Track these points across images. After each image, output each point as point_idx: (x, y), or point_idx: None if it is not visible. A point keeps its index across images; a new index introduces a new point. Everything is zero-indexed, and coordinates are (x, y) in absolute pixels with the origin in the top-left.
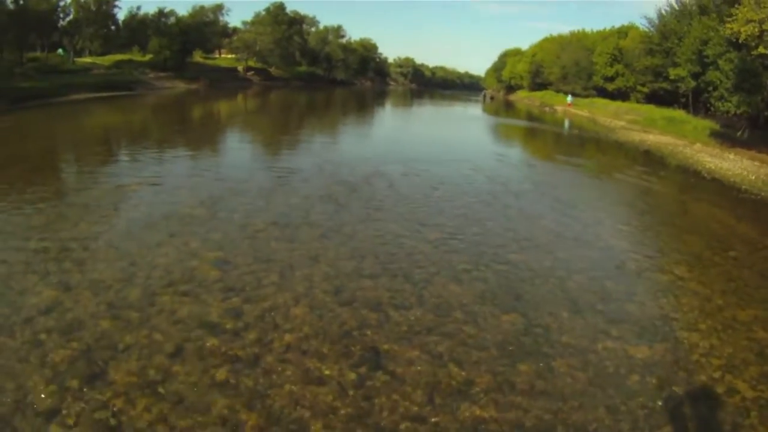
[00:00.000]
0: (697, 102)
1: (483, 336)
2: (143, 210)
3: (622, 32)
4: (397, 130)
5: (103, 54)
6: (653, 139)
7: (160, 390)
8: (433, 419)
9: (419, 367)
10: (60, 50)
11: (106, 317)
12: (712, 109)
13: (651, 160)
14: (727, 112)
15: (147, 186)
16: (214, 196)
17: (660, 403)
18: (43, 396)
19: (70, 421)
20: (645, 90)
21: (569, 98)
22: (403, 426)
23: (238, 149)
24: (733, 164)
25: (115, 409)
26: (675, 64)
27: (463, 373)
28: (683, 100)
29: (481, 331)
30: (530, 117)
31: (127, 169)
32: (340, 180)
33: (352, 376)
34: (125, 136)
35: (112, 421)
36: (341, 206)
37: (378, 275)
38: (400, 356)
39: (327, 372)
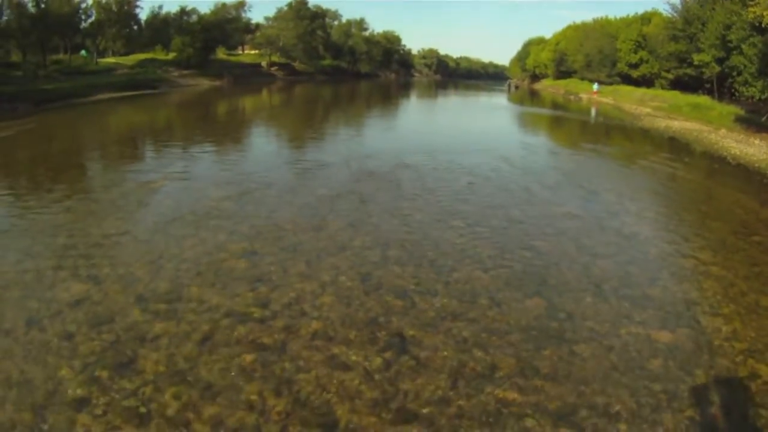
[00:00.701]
0: (721, 87)
1: (507, 321)
2: (170, 205)
3: (646, 19)
4: (421, 120)
5: (126, 54)
6: (678, 125)
7: (189, 378)
8: (457, 403)
9: (444, 352)
10: (83, 51)
11: (135, 309)
12: (736, 94)
13: (676, 146)
14: (752, 97)
15: (173, 181)
16: (241, 190)
17: (682, 387)
18: (72, 386)
19: (99, 411)
20: (670, 76)
21: (595, 86)
22: (427, 410)
23: (263, 144)
24: (758, 150)
25: (144, 397)
26: (699, 50)
27: (488, 358)
28: (708, 85)
29: (505, 317)
30: (555, 105)
31: (153, 165)
32: (366, 171)
33: (378, 361)
34: (150, 133)
35: (142, 409)
36: (367, 197)
37: (404, 263)
38: (425, 342)
39: (353, 358)
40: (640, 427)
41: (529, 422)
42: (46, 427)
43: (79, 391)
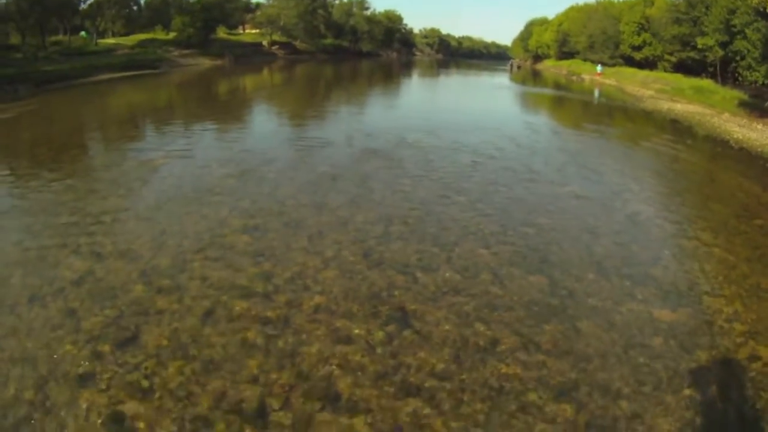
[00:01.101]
0: (725, 72)
1: (509, 297)
2: (172, 182)
3: (649, 1)
4: (423, 99)
5: (126, 34)
6: (681, 108)
7: (192, 352)
8: (459, 377)
9: (446, 327)
10: (83, 33)
11: (138, 284)
12: (740, 79)
13: (679, 128)
14: (756, 82)
15: (175, 159)
16: (243, 167)
17: (683, 367)
18: (76, 362)
19: (103, 385)
20: (672, 59)
21: (599, 67)
22: (429, 383)
23: (265, 122)
24: (760, 134)
25: (147, 371)
26: (702, 33)
27: (489, 333)
28: (711, 69)
29: (507, 293)
30: (557, 86)
31: (155, 144)
32: (368, 149)
33: (380, 335)
34: (151, 113)
35: (144, 383)
36: (369, 174)
37: (406, 239)
38: (428, 316)
39: (356, 331)
40: (641, 404)
41: (531, 397)
42: (49, 403)
43: (82, 367)
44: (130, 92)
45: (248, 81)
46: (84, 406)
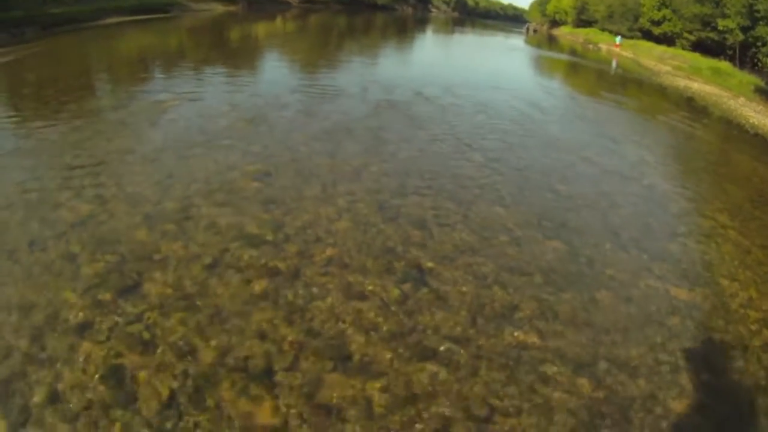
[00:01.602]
0: (744, 56)
1: (527, 261)
2: (181, 124)
3: None
4: (438, 55)
5: None
6: (697, 87)
7: (197, 303)
8: (476, 342)
9: (463, 288)
10: None
11: (142, 229)
12: (759, 64)
13: (694, 107)
14: None
15: (185, 102)
16: (254, 112)
17: (699, 348)
18: (74, 310)
19: (102, 336)
20: (691, 38)
21: (618, 38)
22: (445, 347)
23: (277, 69)
24: None
25: (149, 322)
26: (724, 15)
27: (507, 297)
28: (730, 52)
29: (525, 256)
30: (573, 52)
31: (164, 87)
32: (383, 100)
33: (396, 292)
34: (162, 56)
35: (146, 335)
36: (384, 125)
37: (422, 193)
38: (444, 275)
39: (369, 287)
40: (658, 384)
41: (548, 369)
42: (44, 354)
43: (81, 316)
44: (140, 36)
45: (261, 28)
46: (81, 358)
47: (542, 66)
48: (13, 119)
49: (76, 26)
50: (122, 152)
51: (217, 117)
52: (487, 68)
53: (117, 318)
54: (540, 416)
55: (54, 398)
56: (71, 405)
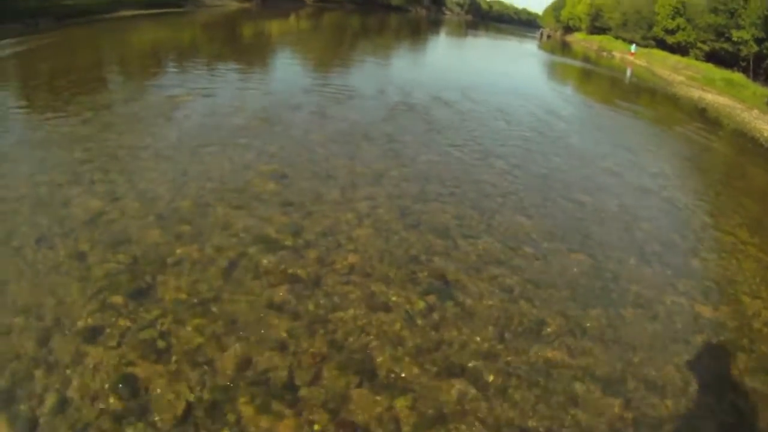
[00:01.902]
0: (758, 67)
1: (553, 274)
2: (195, 121)
3: None
4: (453, 58)
5: None
6: (711, 98)
7: (213, 309)
8: (505, 358)
9: (489, 301)
10: None
11: (155, 229)
12: None
13: (708, 118)
14: None
15: (198, 98)
16: (269, 111)
17: (726, 369)
18: (84, 314)
19: (113, 342)
20: (705, 48)
21: (633, 47)
22: (473, 363)
23: (292, 67)
24: None
25: (162, 329)
26: (738, 26)
27: (534, 312)
28: (744, 63)
29: (550, 269)
30: (587, 59)
31: (177, 81)
32: (399, 102)
33: (421, 305)
34: (175, 50)
35: (160, 343)
36: (402, 128)
37: (444, 200)
38: (470, 287)
39: (393, 299)
40: (686, 405)
41: (578, 387)
42: (52, 359)
43: (90, 320)
44: (154, 29)
45: (275, 25)
46: (91, 365)
47: (557, 72)
48: (25, 110)
49: (89, 18)
50: (134, 148)
51: (231, 115)
52: (502, 73)
53: (129, 323)
54: None
55: (63, 407)
56: (81, 415)
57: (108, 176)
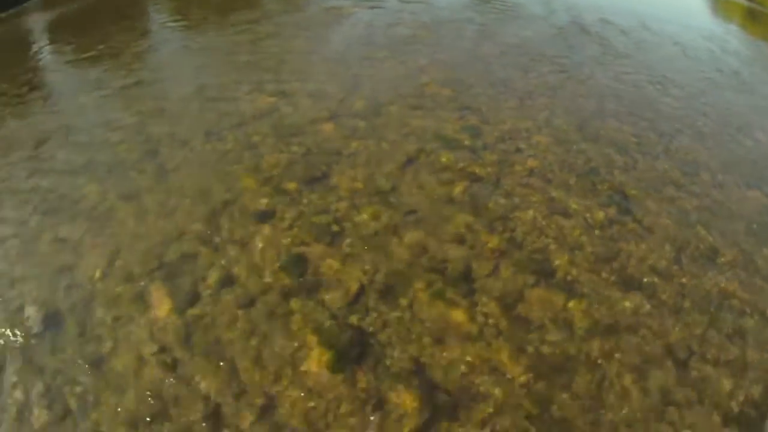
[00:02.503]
0: None
1: (729, 206)
2: (361, 29)
3: None
4: None
5: None
6: None
7: (390, 199)
8: (679, 280)
9: (667, 221)
10: None
11: (328, 123)
12: None
13: None
14: None
15: (363, 9)
16: (437, 24)
17: None
18: (255, 197)
19: (285, 224)
20: None
21: None
22: (649, 279)
23: None
24: None
25: (337, 215)
26: None
27: (710, 239)
28: None
29: (727, 200)
30: None
31: None
32: (569, 23)
33: (600, 215)
34: None
35: (335, 227)
36: (575, 48)
37: (621, 118)
38: (649, 205)
39: (573, 206)
40: None
41: (748, 322)
42: (219, 238)
43: (262, 203)
44: None
45: None
46: (260, 244)
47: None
48: (179, 23)
49: None
50: (301, 52)
51: (399, 23)
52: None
53: (302, 208)
54: (734, 371)
55: (228, 282)
56: (247, 290)
57: (277, 76)
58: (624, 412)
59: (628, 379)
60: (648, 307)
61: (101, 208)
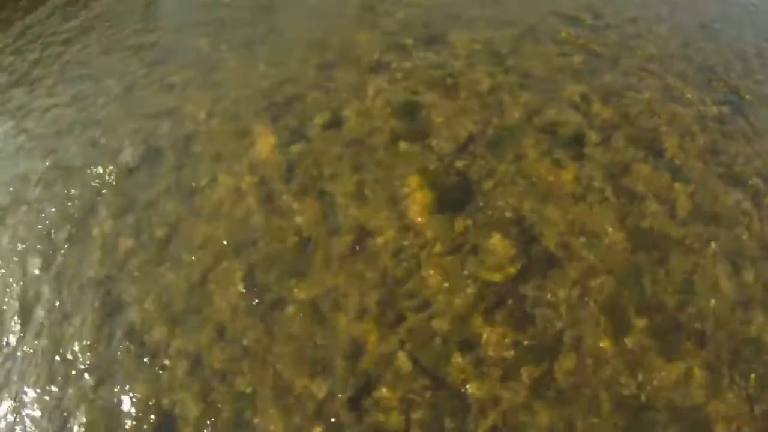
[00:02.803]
0: None
1: None
2: None
3: None
4: None
5: None
6: None
7: (507, 62)
8: None
9: None
10: None
11: None
12: None
13: None
14: None
15: None
16: None
17: None
18: (369, 50)
19: (399, 75)
20: None
21: None
22: (754, 180)
23: None
24: None
25: (453, 71)
26: None
27: None
28: None
29: None
30: None
31: None
32: None
33: (713, 109)
34: None
35: (449, 80)
36: None
37: (744, 27)
38: (762, 113)
39: (688, 96)
40: None
41: None
42: (330, 84)
43: (377, 55)
44: None
45: None
46: (372, 91)
47: None
48: None
49: None
50: None
51: None
52: None
53: (417, 62)
54: None
55: (335, 123)
56: (352, 132)
57: None
58: (712, 303)
59: (720, 270)
60: (749, 205)
61: (211, 59)
